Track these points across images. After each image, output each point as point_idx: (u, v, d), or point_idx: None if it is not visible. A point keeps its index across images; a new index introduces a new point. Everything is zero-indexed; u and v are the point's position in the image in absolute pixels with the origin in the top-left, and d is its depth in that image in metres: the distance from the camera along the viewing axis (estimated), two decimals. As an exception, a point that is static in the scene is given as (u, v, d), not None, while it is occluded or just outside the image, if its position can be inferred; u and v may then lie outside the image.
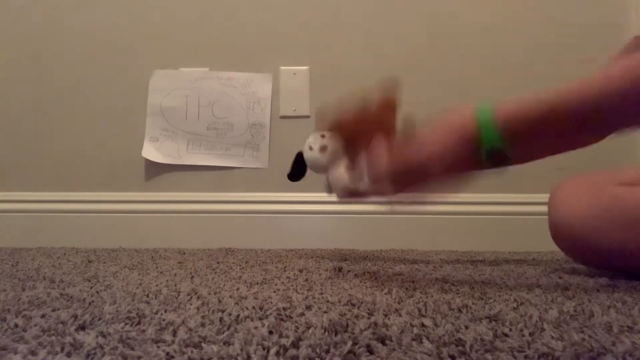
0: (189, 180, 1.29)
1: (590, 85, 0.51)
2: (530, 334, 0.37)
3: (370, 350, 0.33)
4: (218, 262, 0.88)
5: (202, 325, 0.39)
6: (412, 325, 0.39)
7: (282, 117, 1.30)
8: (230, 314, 0.43)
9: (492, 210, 1.23)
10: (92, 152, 1.31)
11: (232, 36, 1.31)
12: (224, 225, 1.26)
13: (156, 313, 0.44)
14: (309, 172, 0.73)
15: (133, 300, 0.50)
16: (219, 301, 0.50)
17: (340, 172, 0.71)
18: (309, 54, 1.30)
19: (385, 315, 0.43)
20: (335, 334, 0.36)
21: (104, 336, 0.36)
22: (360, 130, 0.60)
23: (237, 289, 0.58)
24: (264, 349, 0.33)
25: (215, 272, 0.75)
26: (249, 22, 1.31)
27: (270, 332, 0.37)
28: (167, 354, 0.32)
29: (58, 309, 0.46)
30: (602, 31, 1.24)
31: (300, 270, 0.76)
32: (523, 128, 0.51)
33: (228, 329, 0.38)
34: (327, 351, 0.33)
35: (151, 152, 1.29)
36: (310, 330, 0.37)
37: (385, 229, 1.21)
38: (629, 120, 0.53)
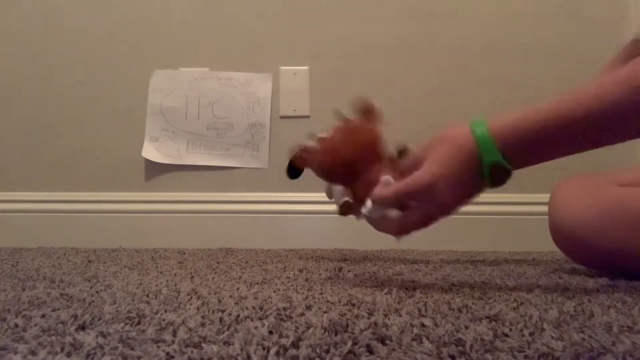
0: (189, 180, 1.29)
1: (586, 96, 0.50)
2: (530, 334, 0.37)
3: (370, 350, 0.33)
4: (218, 262, 0.88)
5: (202, 325, 0.39)
6: (412, 325, 0.39)
7: (282, 117, 1.30)
8: (230, 314, 0.43)
9: (492, 210, 1.23)
10: (92, 152, 1.31)
11: (232, 36, 1.31)
12: (224, 225, 1.26)
13: (156, 313, 0.44)
14: (306, 171, 0.72)
15: (133, 300, 0.50)
16: (219, 301, 0.50)
17: (340, 190, 0.70)
18: (309, 54, 1.30)
19: (385, 315, 0.43)
20: (335, 334, 0.36)
21: (104, 336, 0.36)
22: (351, 148, 0.58)
23: (237, 289, 0.58)
24: (264, 349, 0.33)
25: (215, 272, 0.75)
26: (249, 22, 1.31)
27: (270, 332, 0.37)
28: (167, 354, 0.32)
29: (58, 309, 0.46)
30: (602, 31, 1.24)
31: (300, 270, 0.76)
32: (520, 139, 0.51)
33: (228, 329, 0.38)
34: (327, 351, 0.33)
35: (151, 152, 1.29)
36: (310, 330, 0.37)
37: (385, 229, 1.21)
38: (628, 131, 0.53)
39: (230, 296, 0.53)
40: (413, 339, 0.35)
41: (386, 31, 1.29)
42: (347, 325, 0.39)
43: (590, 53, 1.07)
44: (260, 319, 0.42)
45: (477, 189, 0.54)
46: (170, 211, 1.27)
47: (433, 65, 1.28)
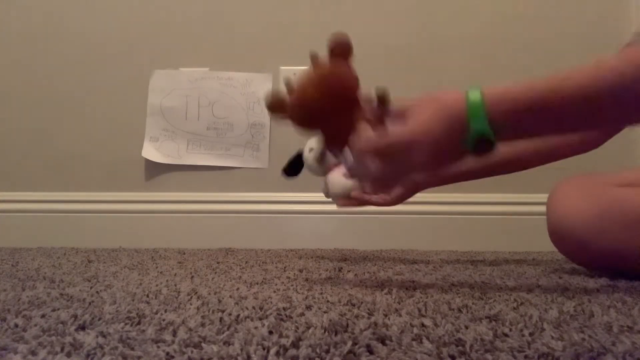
0: (189, 180, 1.29)
1: (581, 74, 0.50)
2: (530, 334, 0.37)
3: (370, 350, 0.33)
4: (218, 262, 0.88)
5: (202, 325, 0.39)
6: (412, 325, 0.39)
7: (282, 117, 1.30)
8: (230, 314, 0.43)
9: (492, 210, 1.23)
10: (92, 152, 1.31)
11: (232, 36, 1.31)
12: (224, 225, 1.26)
13: (156, 313, 0.44)
14: (304, 171, 0.72)
15: (133, 300, 0.50)
16: (219, 301, 0.50)
17: (335, 177, 0.70)
18: (309, 54, 1.29)
19: (385, 315, 0.43)
20: (335, 334, 0.36)
21: (104, 336, 0.36)
22: (321, 96, 0.56)
23: (237, 289, 0.58)
24: (264, 349, 0.33)
25: (215, 272, 0.75)
26: (249, 22, 1.31)
27: (270, 332, 0.37)
28: (167, 354, 0.32)
29: (58, 309, 0.46)
30: (602, 31, 1.24)
31: (300, 270, 0.76)
32: (511, 112, 0.51)
33: (228, 329, 0.38)
34: (327, 351, 0.33)
35: (151, 152, 1.29)
36: (310, 330, 0.37)
37: (385, 229, 1.21)
38: (624, 115, 0.52)
39: (230, 296, 0.53)
40: (413, 339, 0.35)
41: (386, 31, 1.29)
42: (347, 325, 0.39)
43: (590, 53, 1.07)
44: (260, 319, 0.42)
45: (456, 157, 0.53)
46: (170, 211, 1.27)
47: (433, 65, 1.28)
